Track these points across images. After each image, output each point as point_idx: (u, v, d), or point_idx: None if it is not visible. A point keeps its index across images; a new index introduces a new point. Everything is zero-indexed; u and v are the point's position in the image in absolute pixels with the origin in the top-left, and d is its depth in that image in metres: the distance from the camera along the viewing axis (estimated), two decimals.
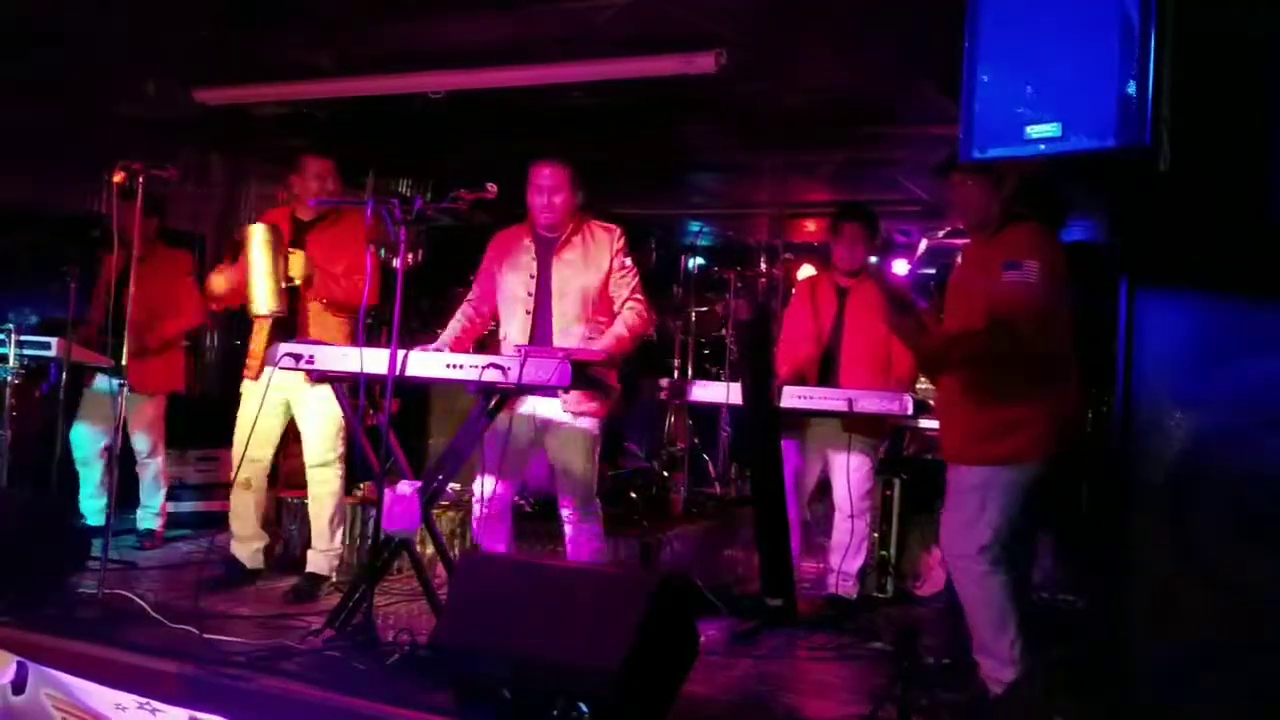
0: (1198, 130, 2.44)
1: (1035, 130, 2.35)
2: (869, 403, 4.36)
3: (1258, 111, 2.47)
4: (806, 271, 6.46)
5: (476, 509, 3.97)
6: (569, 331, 3.90)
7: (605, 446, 5.19)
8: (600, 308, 3.99)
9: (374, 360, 3.65)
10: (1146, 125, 2.27)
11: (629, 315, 3.96)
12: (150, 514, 5.47)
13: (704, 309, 6.24)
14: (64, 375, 5.00)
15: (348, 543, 4.76)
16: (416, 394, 5.50)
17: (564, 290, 3.97)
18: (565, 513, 4.02)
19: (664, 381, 4.73)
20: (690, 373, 5.48)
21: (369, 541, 3.99)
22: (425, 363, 3.64)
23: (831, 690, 3.72)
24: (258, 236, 4.21)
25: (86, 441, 5.38)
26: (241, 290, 4.30)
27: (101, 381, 5.20)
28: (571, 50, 4.53)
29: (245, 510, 4.65)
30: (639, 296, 4.01)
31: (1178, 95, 2.35)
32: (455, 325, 4.17)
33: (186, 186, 6.79)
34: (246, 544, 4.69)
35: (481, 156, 4.48)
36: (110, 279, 5.06)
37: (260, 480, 4.63)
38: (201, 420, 5.86)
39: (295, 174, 4.55)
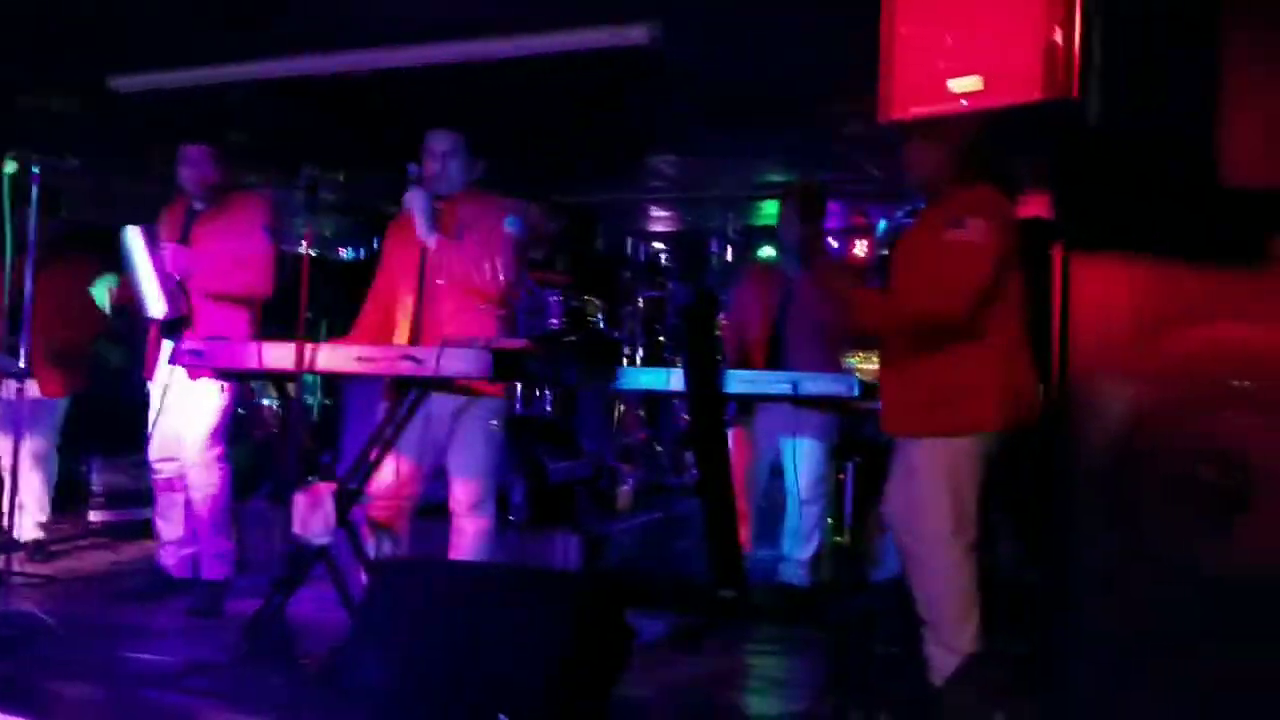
0: (1133, 82, 2.27)
1: (957, 84, 2.17)
2: (814, 385, 4.17)
3: (1198, 60, 2.30)
4: (768, 254, 6.31)
5: (381, 508, 3.75)
6: (454, 316, 3.68)
7: (550, 438, 5.03)
8: (488, 290, 3.75)
9: (279, 355, 3.45)
10: (1074, 76, 2.10)
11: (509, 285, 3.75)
12: (34, 524, 5.22)
13: (656, 295, 6.07)
14: None
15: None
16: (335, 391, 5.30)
17: (444, 269, 3.75)
18: (455, 508, 3.79)
19: (602, 370, 4.55)
20: (641, 360, 5.29)
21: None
22: (334, 357, 3.44)
23: (778, 685, 3.56)
24: (129, 240, 4.07)
25: None
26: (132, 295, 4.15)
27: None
28: (501, 25, 4.32)
29: (171, 512, 4.43)
30: (516, 261, 3.79)
31: (1110, 43, 2.18)
32: (367, 316, 3.95)
33: (118, 180, 6.55)
34: (171, 550, 4.47)
35: (416, 141, 4.28)
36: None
37: (181, 481, 4.40)
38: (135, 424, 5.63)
39: (179, 162, 4.32)
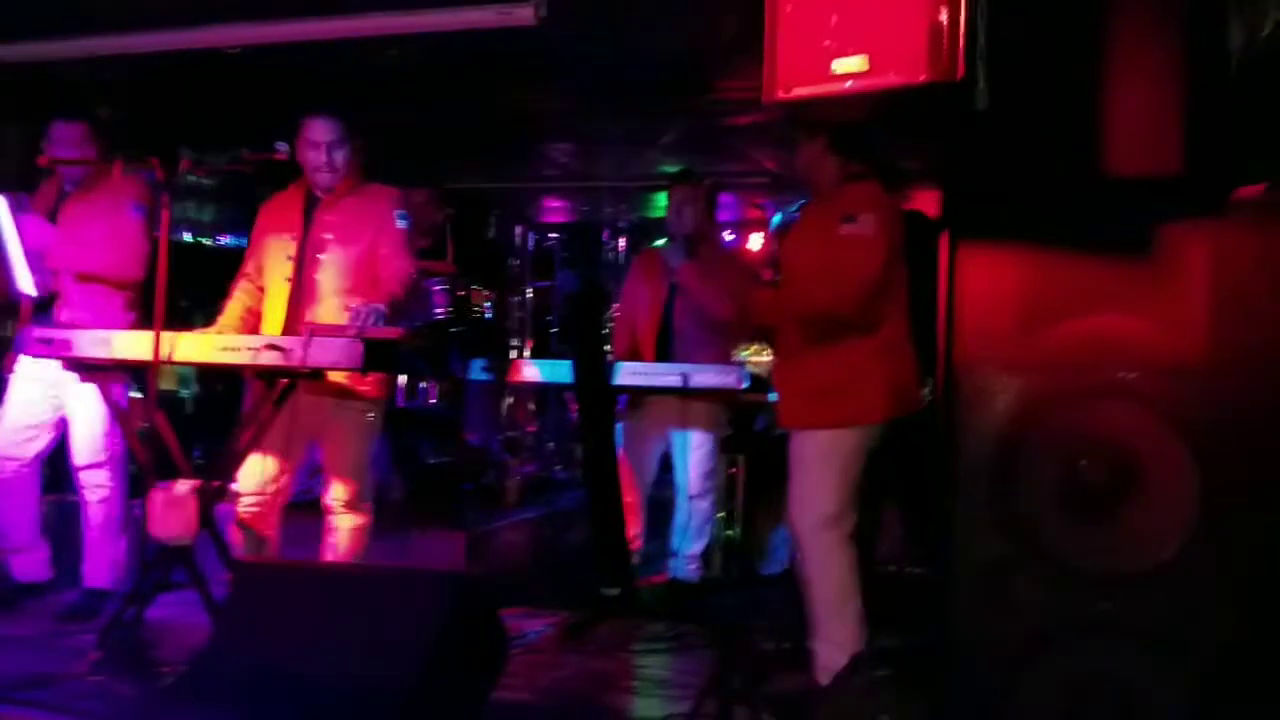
0: (1022, 66, 2.22)
1: (841, 65, 2.08)
2: (704, 377, 4.09)
3: (1085, 46, 2.26)
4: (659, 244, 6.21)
5: (247, 506, 3.55)
6: (330, 303, 3.49)
7: (433, 432, 4.85)
8: (370, 277, 3.58)
9: (138, 344, 3.21)
10: (960, 59, 2.02)
11: (397, 269, 3.56)
12: None
13: (546, 285, 5.92)
14: None
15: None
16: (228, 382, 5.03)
17: (324, 256, 3.57)
18: (329, 505, 3.62)
19: (487, 363, 4.38)
20: (529, 352, 5.14)
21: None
22: (197, 346, 3.22)
23: (663, 685, 3.46)
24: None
25: None
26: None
27: None
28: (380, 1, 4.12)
29: (12, 516, 4.11)
30: (409, 249, 3.62)
31: (998, 26, 2.11)
32: (235, 304, 3.72)
33: None
34: (22, 554, 4.16)
35: (290, 122, 4.07)
36: None
37: (26, 482, 4.09)
38: None
39: (45, 139, 4.03)
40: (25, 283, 3.82)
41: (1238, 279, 2.30)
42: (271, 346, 3.10)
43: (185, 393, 6.18)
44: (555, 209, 7.81)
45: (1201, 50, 2.25)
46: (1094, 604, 2.37)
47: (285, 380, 3.25)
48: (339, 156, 3.60)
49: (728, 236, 8.66)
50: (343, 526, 3.62)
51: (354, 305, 3.34)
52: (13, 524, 4.13)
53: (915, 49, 2.01)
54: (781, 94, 2.13)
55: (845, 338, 3.20)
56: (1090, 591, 2.37)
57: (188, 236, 7.19)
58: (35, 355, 3.41)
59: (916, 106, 2.12)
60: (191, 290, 5.18)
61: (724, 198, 8.41)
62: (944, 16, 2.00)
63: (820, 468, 3.24)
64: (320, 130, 3.60)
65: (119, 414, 3.48)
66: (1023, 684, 2.45)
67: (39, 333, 3.36)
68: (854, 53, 2.06)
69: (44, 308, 3.94)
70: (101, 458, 3.99)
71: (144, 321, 3.71)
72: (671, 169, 5.49)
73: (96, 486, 4.04)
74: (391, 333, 3.18)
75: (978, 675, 2.50)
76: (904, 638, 3.24)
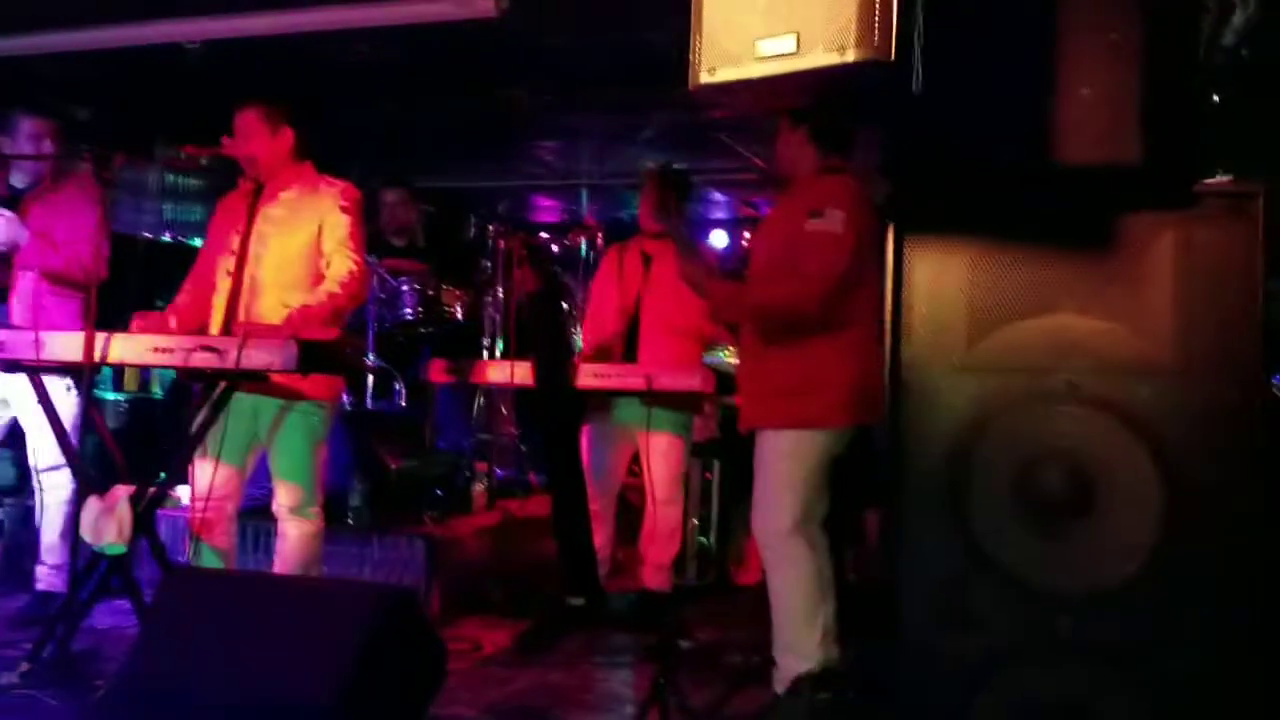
0: (963, 47, 2.07)
1: (767, 45, 1.94)
2: (669, 379, 3.95)
3: (1033, 24, 2.11)
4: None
5: (195, 513, 3.42)
6: (270, 299, 3.36)
7: (398, 435, 4.71)
8: (312, 273, 3.44)
9: (72, 344, 3.09)
10: (892, 38, 1.88)
11: (337, 268, 3.41)
12: None
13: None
14: None
15: None
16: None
17: (262, 251, 3.43)
18: (277, 511, 3.49)
19: (450, 364, 4.25)
20: (500, 352, 4.99)
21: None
22: (128, 347, 3.09)
23: (617, 700, 3.32)
24: None
25: None
26: None
27: None
28: None
29: None
30: (352, 246, 3.45)
31: (930, 7, 1.97)
32: (180, 299, 3.60)
33: None
34: None
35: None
36: None
37: None
38: None
39: (4, 134, 3.92)
40: None
41: (1203, 275, 2.16)
42: (205, 348, 2.97)
43: (159, 393, 6.09)
44: (547, 209, 7.70)
45: (1164, 34, 2.10)
46: (1052, 621, 2.24)
47: (223, 383, 3.12)
48: (255, 145, 3.45)
49: (721, 235, 8.56)
50: (291, 533, 3.49)
51: (291, 304, 3.21)
52: None
53: (844, 27, 1.86)
54: (705, 76, 1.98)
55: (809, 337, 3.06)
56: (1048, 608, 2.23)
57: (167, 237, 7.11)
58: None
59: (847, 89, 1.97)
60: (171, 291, 5.07)
61: (715, 195, 8.30)
62: None
63: (782, 471, 3.10)
64: (240, 121, 3.47)
65: (52, 416, 3.34)
66: (977, 703, 2.31)
67: None
68: (781, 32, 1.92)
69: None
70: (62, 459, 3.87)
71: (102, 321, 3.61)
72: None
73: (57, 488, 3.93)
74: (328, 333, 3.04)
75: (930, 693, 2.36)
76: (867, 651, 3.10)
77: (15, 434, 4.04)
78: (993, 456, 2.28)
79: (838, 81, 1.93)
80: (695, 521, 4.91)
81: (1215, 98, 2.78)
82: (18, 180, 3.98)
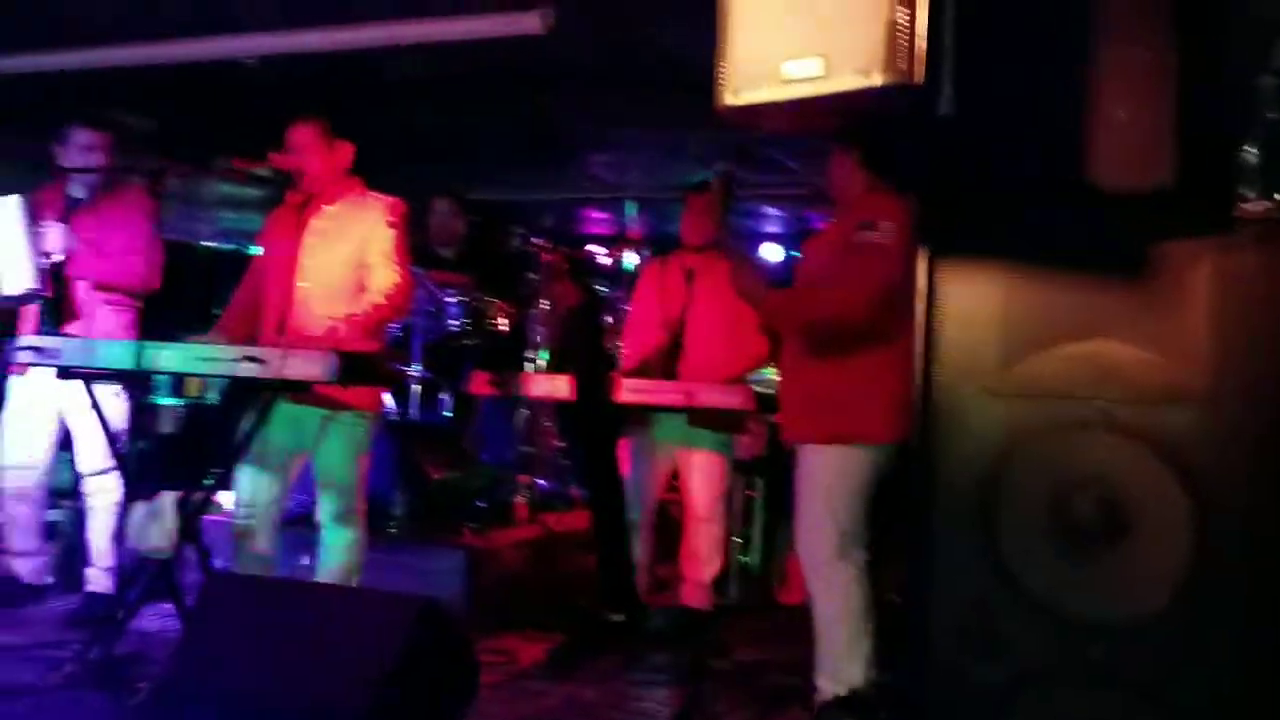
0: (994, 70, 2.07)
1: (793, 68, 1.95)
2: (709, 396, 3.96)
3: (1068, 41, 2.10)
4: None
5: (239, 520, 3.51)
6: (316, 312, 3.43)
7: (440, 446, 4.78)
8: (358, 287, 3.52)
9: (122, 353, 3.20)
10: (918, 60, 1.88)
11: (382, 281, 3.48)
12: None
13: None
14: None
15: None
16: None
17: (310, 264, 3.51)
18: (319, 519, 3.56)
19: (493, 376, 4.30)
20: (543, 366, 5.03)
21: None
22: (178, 357, 3.19)
23: (648, 718, 3.33)
24: (5, 210, 3.79)
25: None
26: None
27: None
28: (384, 10, 4.09)
29: (19, 522, 4.15)
30: (397, 260, 3.53)
31: (966, 26, 1.96)
32: (232, 311, 3.71)
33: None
34: (26, 560, 4.20)
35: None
36: None
37: (36, 490, 4.13)
38: None
39: (59, 144, 4.05)
40: (11, 281, 3.82)
41: (1239, 302, 2.12)
42: (249, 358, 3.05)
43: (212, 398, 6.23)
44: (585, 221, 7.75)
45: (1203, 53, 2.08)
46: (1082, 650, 2.20)
47: (270, 392, 3.20)
48: (312, 163, 3.55)
49: (775, 250, 8.55)
50: (331, 542, 3.57)
51: (337, 316, 3.29)
52: (19, 529, 4.17)
53: (870, 50, 1.87)
54: (730, 98, 2.00)
55: (853, 349, 3.07)
56: (1078, 636, 2.20)
57: (224, 245, 7.29)
58: (24, 364, 3.41)
59: (875, 112, 1.98)
60: (226, 296, 5.19)
61: (767, 210, 8.30)
62: (902, 16, 1.86)
63: (824, 491, 3.10)
64: (294, 136, 3.57)
65: (103, 421, 3.45)
66: None
67: (27, 341, 3.36)
68: (808, 55, 1.93)
69: (53, 316, 3.94)
70: (110, 463, 3.98)
71: (159, 328, 3.71)
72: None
73: (105, 492, 4.05)
74: (368, 345, 3.11)
75: (959, 716, 2.34)
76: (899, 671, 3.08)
77: (70, 438, 4.17)
78: (1024, 481, 2.26)
79: (865, 104, 1.94)
80: (737, 540, 4.90)
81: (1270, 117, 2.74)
82: (75, 190, 4.10)
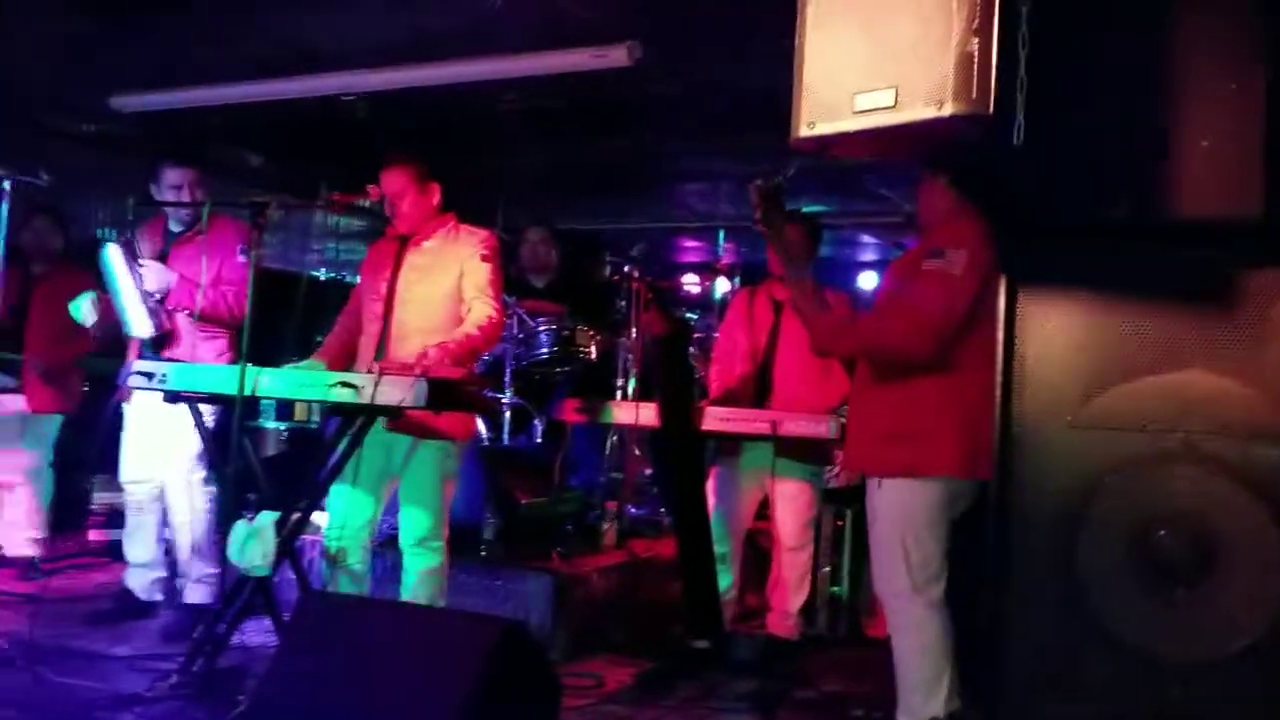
0: (1070, 98, 2.07)
1: (866, 99, 1.99)
2: (795, 425, 3.96)
3: (1155, 76, 2.08)
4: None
5: (331, 540, 3.64)
6: (414, 343, 3.55)
7: (531, 472, 4.87)
8: (455, 318, 3.64)
9: (226, 378, 3.36)
10: (991, 91, 1.90)
11: (476, 313, 3.58)
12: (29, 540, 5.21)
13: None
14: None
15: None
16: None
17: (408, 297, 3.64)
18: (402, 543, 3.66)
19: (582, 403, 4.38)
20: (632, 394, 5.10)
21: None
22: (279, 382, 3.34)
23: None
24: (109, 258, 4.05)
25: None
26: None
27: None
28: (477, 47, 4.24)
29: (139, 534, 4.38)
30: (491, 294, 3.64)
31: (1037, 57, 1.98)
32: (332, 339, 3.87)
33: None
34: (141, 573, 4.42)
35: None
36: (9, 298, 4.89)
37: (152, 504, 4.35)
38: None
39: (154, 182, 4.29)
40: (139, 326, 4.07)
41: None
42: (344, 384, 3.18)
43: (315, 422, 6.47)
44: (678, 249, 7.83)
45: None
46: (1161, 691, 2.17)
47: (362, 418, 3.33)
48: (405, 205, 3.69)
49: (872, 278, 8.51)
50: (414, 566, 3.66)
51: (429, 346, 3.40)
52: (138, 541, 4.41)
53: (942, 81, 1.89)
54: (804, 129, 2.04)
55: (917, 378, 3.02)
56: (1158, 677, 2.16)
57: (327, 274, 7.58)
58: (135, 388, 3.61)
59: (947, 142, 2.00)
60: (327, 325, 5.39)
61: (864, 238, 8.28)
62: (974, 47, 1.88)
63: (895, 525, 3.06)
64: (388, 181, 3.70)
65: (207, 441, 3.63)
66: None
67: (139, 366, 3.56)
68: (880, 86, 1.96)
69: (156, 346, 4.18)
70: (197, 475, 4.21)
71: (261, 355, 3.88)
72: (794, 206, 5.41)
73: (192, 508, 4.24)
74: (455, 373, 3.21)
75: None
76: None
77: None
78: (1106, 517, 2.23)
79: (937, 135, 1.96)
80: (826, 570, 4.88)
81: None
82: (174, 225, 4.34)
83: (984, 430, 3.01)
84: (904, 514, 3.02)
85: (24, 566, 5.16)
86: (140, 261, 4.13)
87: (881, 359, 3.10)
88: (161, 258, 4.24)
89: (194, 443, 4.05)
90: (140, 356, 4.07)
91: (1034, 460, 2.29)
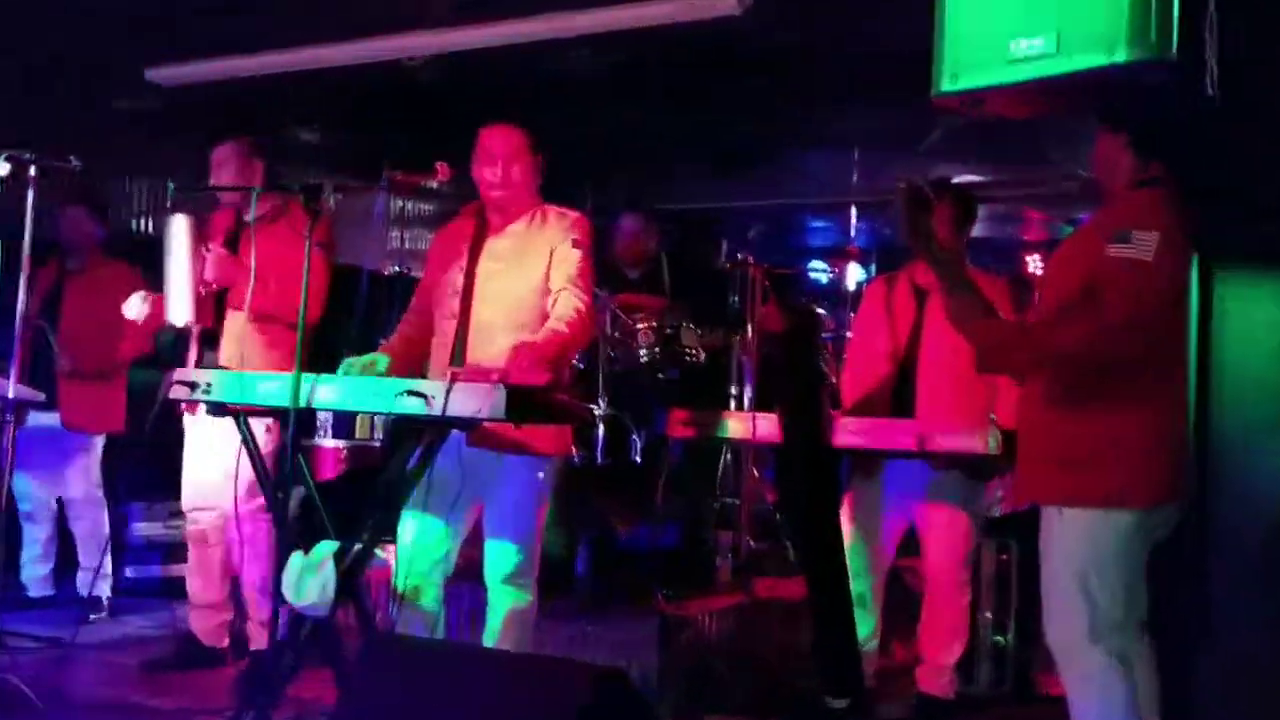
0: (1269, 41, 2.05)
1: (1021, 47, 2.00)
2: (948, 439, 3.96)
3: None
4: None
5: (400, 575, 3.75)
6: (500, 343, 3.60)
7: (629, 496, 4.94)
8: (542, 313, 3.67)
9: (278, 388, 3.50)
10: (1174, 33, 1.90)
11: (563, 306, 3.61)
12: (90, 578, 5.44)
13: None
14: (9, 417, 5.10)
15: None
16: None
17: (490, 290, 3.70)
18: (488, 579, 3.73)
19: (689, 415, 4.43)
20: (750, 402, 5.15)
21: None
22: (337, 391, 3.46)
23: None
24: (175, 230, 4.16)
25: (32, 491, 5.49)
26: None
27: (36, 418, 5.24)
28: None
29: (202, 570, 4.56)
30: (581, 285, 3.67)
31: None
32: (396, 340, 3.97)
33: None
34: (204, 614, 4.60)
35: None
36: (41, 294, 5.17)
37: (218, 535, 4.53)
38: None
39: (211, 166, 4.49)
40: (177, 313, 4.20)
41: None
42: (412, 393, 3.27)
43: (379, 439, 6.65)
44: (803, 231, 7.83)
45: None
46: None
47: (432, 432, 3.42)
48: (516, 170, 3.72)
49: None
50: (500, 604, 3.73)
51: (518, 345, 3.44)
52: (199, 576, 4.58)
53: (1114, 22, 1.90)
54: (948, 83, 2.07)
55: (1104, 392, 3.00)
56: None
57: (390, 267, 7.77)
58: (176, 399, 3.75)
59: (1117, 95, 2.00)
60: (390, 327, 5.55)
61: (1028, 214, 8.17)
62: None
63: (1070, 562, 3.04)
64: (496, 140, 3.74)
65: (256, 464, 3.74)
66: None
67: (179, 375, 3.69)
68: (1038, 31, 1.98)
69: (180, 341, 4.36)
70: (253, 507, 4.28)
71: (314, 362, 4.00)
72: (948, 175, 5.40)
73: (250, 540, 4.34)
74: (540, 378, 3.28)
75: None
76: None
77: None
78: None
79: (1109, 86, 1.97)
80: (989, 615, 4.84)
81: None
82: (245, 211, 4.43)
83: (1182, 446, 3.01)
84: (1092, 549, 2.99)
85: (89, 607, 5.36)
86: (208, 246, 4.27)
87: (1063, 372, 3.07)
88: (230, 246, 4.38)
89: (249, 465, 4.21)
90: (200, 360, 4.22)
91: (1237, 471, 2.28)
